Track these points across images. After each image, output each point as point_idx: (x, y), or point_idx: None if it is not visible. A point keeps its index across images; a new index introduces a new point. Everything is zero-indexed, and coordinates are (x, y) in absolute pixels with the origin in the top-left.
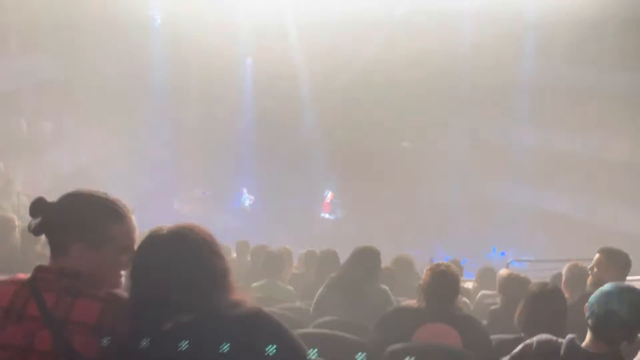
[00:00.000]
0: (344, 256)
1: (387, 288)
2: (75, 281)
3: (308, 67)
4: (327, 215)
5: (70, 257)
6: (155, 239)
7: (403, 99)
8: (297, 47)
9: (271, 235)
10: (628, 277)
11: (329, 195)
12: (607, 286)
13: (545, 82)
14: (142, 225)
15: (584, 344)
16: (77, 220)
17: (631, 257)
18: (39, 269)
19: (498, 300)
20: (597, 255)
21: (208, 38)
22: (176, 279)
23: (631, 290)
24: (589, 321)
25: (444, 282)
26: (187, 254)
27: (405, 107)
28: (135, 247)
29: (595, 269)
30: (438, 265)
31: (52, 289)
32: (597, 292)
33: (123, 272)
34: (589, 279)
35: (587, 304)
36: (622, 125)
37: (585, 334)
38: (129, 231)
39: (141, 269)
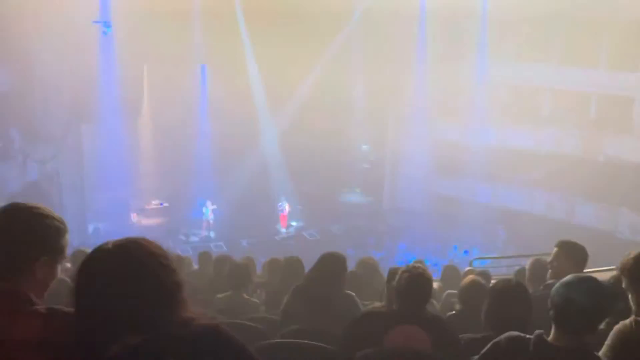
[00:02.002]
0: (307, 261)
1: (353, 294)
2: (12, 299)
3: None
4: (283, 231)
5: (34, 273)
6: (100, 254)
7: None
8: None
9: (233, 244)
10: (586, 270)
11: (285, 206)
12: (566, 277)
13: (499, 79)
14: (100, 240)
15: (550, 338)
16: (40, 235)
17: (588, 249)
18: None
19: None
20: (555, 249)
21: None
22: (122, 296)
23: (589, 279)
24: (551, 313)
25: (421, 285)
26: (133, 269)
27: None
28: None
29: (554, 263)
30: (415, 267)
31: None
32: (557, 284)
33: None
34: (549, 273)
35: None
36: (574, 121)
37: (550, 326)
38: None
39: (85, 286)
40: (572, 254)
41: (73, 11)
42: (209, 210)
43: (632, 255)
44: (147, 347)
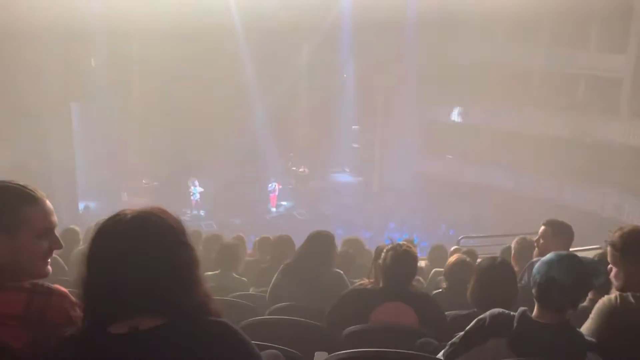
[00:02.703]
0: (297, 240)
1: (341, 272)
2: None
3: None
4: (274, 210)
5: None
6: (116, 224)
7: None
8: None
9: (224, 223)
10: (572, 248)
11: (275, 186)
12: (547, 255)
13: (488, 61)
14: (91, 220)
15: (533, 315)
16: None
17: (575, 229)
18: None
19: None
20: (542, 228)
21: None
22: (137, 272)
23: (570, 256)
24: (533, 291)
25: (405, 262)
26: (151, 243)
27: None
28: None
29: (541, 241)
30: (399, 245)
31: None
32: (539, 262)
33: (47, 260)
34: (535, 251)
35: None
36: (561, 102)
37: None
38: (45, 214)
39: (97, 258)
40: (559, 232)
41: None
42: (197, 189)
43: (625, 230)
44: (158, 333)
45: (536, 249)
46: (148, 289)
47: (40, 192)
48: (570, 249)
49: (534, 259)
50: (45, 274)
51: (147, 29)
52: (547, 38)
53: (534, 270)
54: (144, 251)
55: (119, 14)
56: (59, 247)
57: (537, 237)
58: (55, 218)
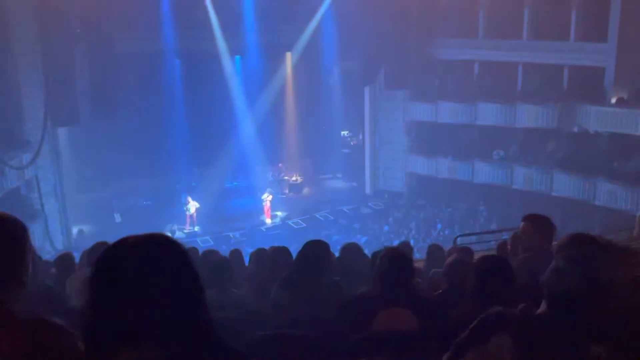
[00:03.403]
0: (295, 249)
1: (339, 280)
2: None
3: None
4: (269, 221)
5: None
6: (121, 249)
7: None
8: None
9: (220, 237)
10: None
11: (267, 197)
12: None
13: (471, 57)
14: (86, 244)
15: (540, 311)
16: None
17: (568, 219)
18: None
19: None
20: (522, 224)
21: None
22: (142, 301)
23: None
24: (545, 292)
25: (401, 266)
26: (156, 270)
27: None
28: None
29: (523, 237)
30: (394, 249)
31: None
32: (551, 268)
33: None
34: (519, 248)
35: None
36: (547, 94)
37: (530, 295)
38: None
39: (101, 283)
40: (540, 226)
41: (45, 13)
42: (191, 205)
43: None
44: None
45: (520, 246)
46: (152, 317)
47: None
48: None
49: (520, 255)
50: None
51: None
52: (529, 31)
53: (546, 274)
54: (148, 279)
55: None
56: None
57: (518, 234)
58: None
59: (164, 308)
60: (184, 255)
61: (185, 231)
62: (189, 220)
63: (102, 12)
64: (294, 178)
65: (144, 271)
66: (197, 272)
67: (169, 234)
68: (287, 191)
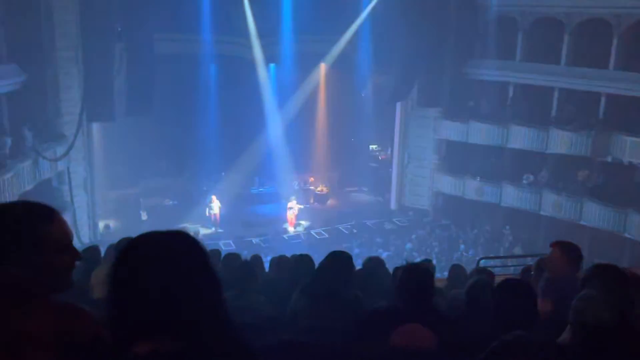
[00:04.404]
0: (315, 260)
1: (359, 293)
2: (21, 292)
3: None
4: (292, 229)
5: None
6: (139, 246)
7: None
8: None
9: (242, 242)
10: None
11: (293, 206)
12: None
13: (506, 79)
14: (111, 239)
15: (561, 339)
16: (12, 226)
17: (596, 250)
18: None
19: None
20: (551, 249)
21: None
22: (159, 294)
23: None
24: (571, 319)
25: (421, 283)
26: (174, 265)
27: None
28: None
29: (550, 264)
30: (415, 265)
31: None
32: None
33: (70, 272)
34: (545, 273)
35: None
36: (582, 121)
37: (552, 322)
38: (63, 229)
39: (121, 279)
40: (567, 253)
41: (85, 11)
42: (214, 204)
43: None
44: (174, 358)
45: (545, 271)
46: (170, 311)
47: (56, 209)
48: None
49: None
50: (69, 286)
51: None
52: (567, 56)
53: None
54: (166, 273)
55: None
56: (79, 257)
57: (546, 259)
58: (71, 230)
59: (180, 303)
60: (202, 253)
61: (208, 230)
62: (213, 220)
63: (144, 12)
64: (319, 188)
65: (163, 266)
66: (215, 270)
67: (192, 233)
68: (312, 201)
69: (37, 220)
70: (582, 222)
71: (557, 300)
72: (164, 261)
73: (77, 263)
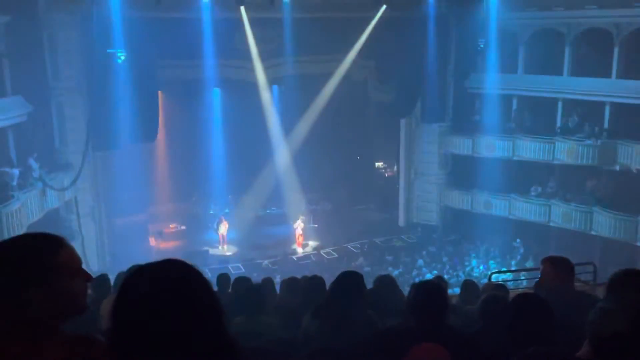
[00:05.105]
0: (325, 280)
1: (373, 313)
2: (37, 327)
3: None
4: (300, 250)
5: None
6: (139, 277)
7: None
8: None
9: (251, 265)
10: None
11: (298, 224)
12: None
13: (511, 91)
14: (121, 265)
15: (579, 354)
16: (26, 258)
17: (608, 259)
18: None
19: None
20: (542, 266)
21: None
22: (161, 323)
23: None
24: (589, 335)
25: (435, 300)
26: (175, 294)
27: None
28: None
29: (542, 280)
30: (428, 282)
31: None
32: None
33: (85, 294)
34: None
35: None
36: (588, 131)
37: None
38: (73, 254)
39: (123, 309)
40: (557, 267)
41: (88, 41)
42: (222, 225)
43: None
44: None
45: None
46: (172, 339)
47: (60, 236)
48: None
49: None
50: (85, 308)
51: None
52: (571, 67)
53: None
54: (164, 301)
55: None
56: (91, 279)
57: (540, 275)
58: (79, 255)
59: (180, 328)
60: (199, 278)
61: (217, 250)
62: (221, 240)
63: (146, 39)
64: (326, 208)
65: (161, 294)
66: (215, 297)
67: (204, 250)
68: (319, 220)
69: (47, 248)
70: (592, 232)
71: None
72: (159, 289)
73: (88, 292)
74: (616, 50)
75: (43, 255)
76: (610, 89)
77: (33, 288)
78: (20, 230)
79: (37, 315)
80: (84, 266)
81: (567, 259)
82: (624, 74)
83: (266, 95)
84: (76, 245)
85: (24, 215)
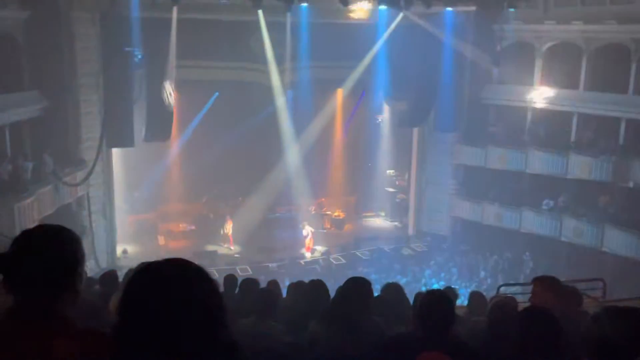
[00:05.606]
0: (332, 285)
1: (379, 320)
2: (49, 320)
3: None
4: (308, 255)
5: (75, 289)
6: (147, 272)
7: None
8: None
9: (259, 267)
10: (617, 298)
11: (309, 230)
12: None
13: (526, 104)
14: (129, 263)
15: None
16: (73, 249)
17: (618, 277)
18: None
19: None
20: (532, 286)
21: None
22: (165, 321)
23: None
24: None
25: (442, 310)
26: (183, 290)
27: None
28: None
29: (534, 300)
30: (436, 292)
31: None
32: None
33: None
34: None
35: None
36: (603, 146)
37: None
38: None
39: (129, 307)
40: (547, 287)
41: (106, 39)
42: (227, 225)
43: None
44: None
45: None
46: (174, 336)
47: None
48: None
49: None
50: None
51: None
52: (587, 82)
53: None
54: (166, 299)
55: None
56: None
57: (531, 296)
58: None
59: (181, 326)
60: (203, 277)
61: (224, 249)
62: (226, 239)
63: (164, 39)
64: (336, 213)
65: (164, 292)
66: (218, 294)
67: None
68: (328, 226)
69: (77, 240)
70: (603, 249)
71: None
72: (162, 288)
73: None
74: (634, 67)
75: (79, 247)
76: (626, 105)
77: (80, 268)
78: (32, 224)
79: (59, 306)
80: (92, 261)
81: (555, 279)
82: None
83: (280, 98)
84: (86, 241)
85: (37, 209)
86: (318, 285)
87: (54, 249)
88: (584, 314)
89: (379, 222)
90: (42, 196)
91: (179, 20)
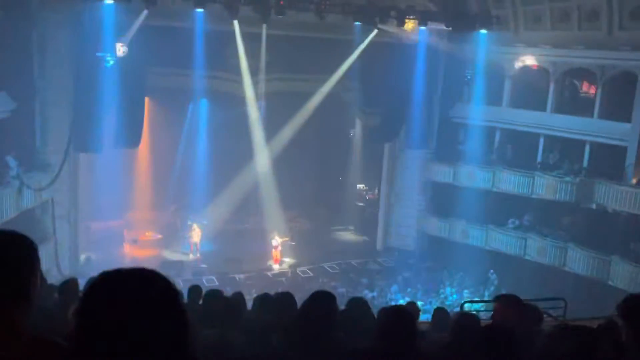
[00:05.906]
0: (299, 298)
1: (342, 334)
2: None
3: None
4: (276, 267)
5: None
6: (107, 281)
7: None
8: None
9: (225, 278)
10: (577, 318)
11: (276, 240)
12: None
13: (494, 124)
14: (91, 271)
15: None
16: (31, 258)
17: (580, 297)
18: None
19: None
20: (493, 305)
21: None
22: (125, 334)
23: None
24: None
25: (404, 324)
26: (141, 304)
27: None
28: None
29: (496, 318)
30: (398, 307)
31: None
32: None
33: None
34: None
35: None
36: (567, 168)
37: None
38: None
39: (89, 316)
40: (510, 305)
41: (78, 43)
42: (194, 232)
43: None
44: None
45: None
46: (131, 347)
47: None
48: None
49: None
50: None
51: None
52: (554, 104)
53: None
54: (129, 310)
55: None
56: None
57: (493, 314)
58: None
59: (140, 337)
60: (166, 287)
61: (191, 259)
62: (192, 248)
63: (137, 45)
64: (305, 226)
65: (123, 301)
66: (180, 304)
67: (179, 261)
68: (296, 238)
69: (31, 247)
70: (566, 268)
71: None
72: (123, 298)
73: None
74: (599, 91)
75: (35, 255)
76: (591, 129)
77: (34, 276)
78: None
79: (17, 317)
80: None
81: (518, 298)
82: (606, 115)
83: (253, 109)
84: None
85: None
86: (285, 298)
87: (6, 255)
88: (542, 332)
89: (348, 235)
90: (4, 199)
91: (153, 27)
